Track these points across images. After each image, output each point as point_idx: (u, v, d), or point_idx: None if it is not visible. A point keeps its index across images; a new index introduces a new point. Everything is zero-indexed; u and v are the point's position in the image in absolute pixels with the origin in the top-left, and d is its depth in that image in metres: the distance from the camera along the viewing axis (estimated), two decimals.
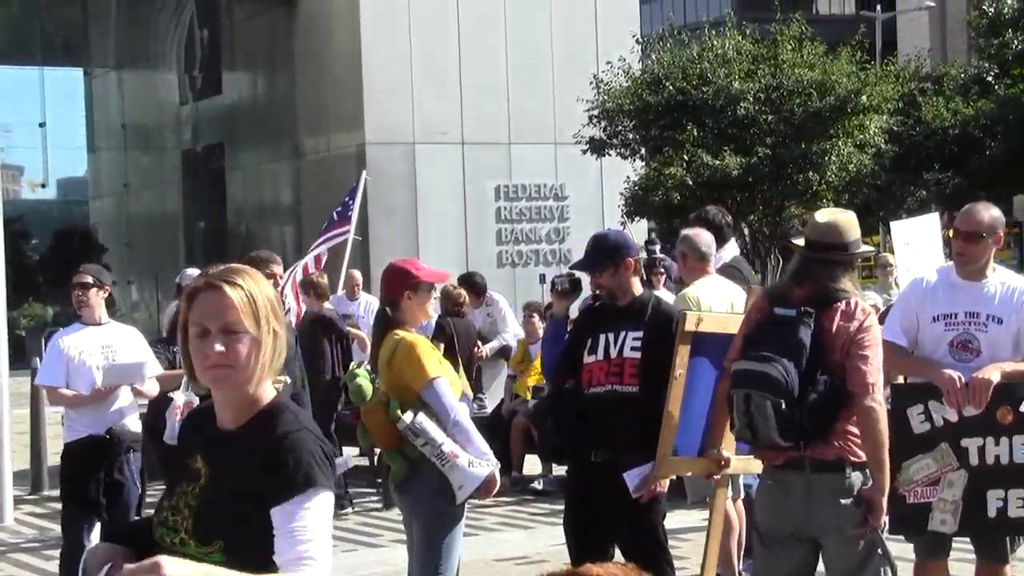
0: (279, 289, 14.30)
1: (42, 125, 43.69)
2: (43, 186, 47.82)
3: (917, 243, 13.43)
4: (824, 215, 5.74)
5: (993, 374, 6.22)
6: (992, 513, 6.17)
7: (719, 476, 6.47)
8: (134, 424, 8.37)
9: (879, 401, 5.38)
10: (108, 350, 8.31)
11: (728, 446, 6.28)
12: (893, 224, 14.53)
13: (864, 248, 5.73)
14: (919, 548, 6.48)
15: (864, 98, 28.05)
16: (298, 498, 3.09)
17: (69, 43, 38.49)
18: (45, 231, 42.57)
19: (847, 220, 5.67)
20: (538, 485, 12.71)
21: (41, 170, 47.37)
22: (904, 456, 6.21)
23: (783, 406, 5.28)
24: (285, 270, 14.39)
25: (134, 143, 39.05)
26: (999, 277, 6.51)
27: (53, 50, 38.73)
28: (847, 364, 5.39)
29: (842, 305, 5.45)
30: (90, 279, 8.40)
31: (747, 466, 6.47)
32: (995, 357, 6.30)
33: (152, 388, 8.47)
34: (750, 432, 5.45)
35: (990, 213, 6.42)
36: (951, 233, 6.72)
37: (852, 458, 5.43)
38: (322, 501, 3.13)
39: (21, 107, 44.45)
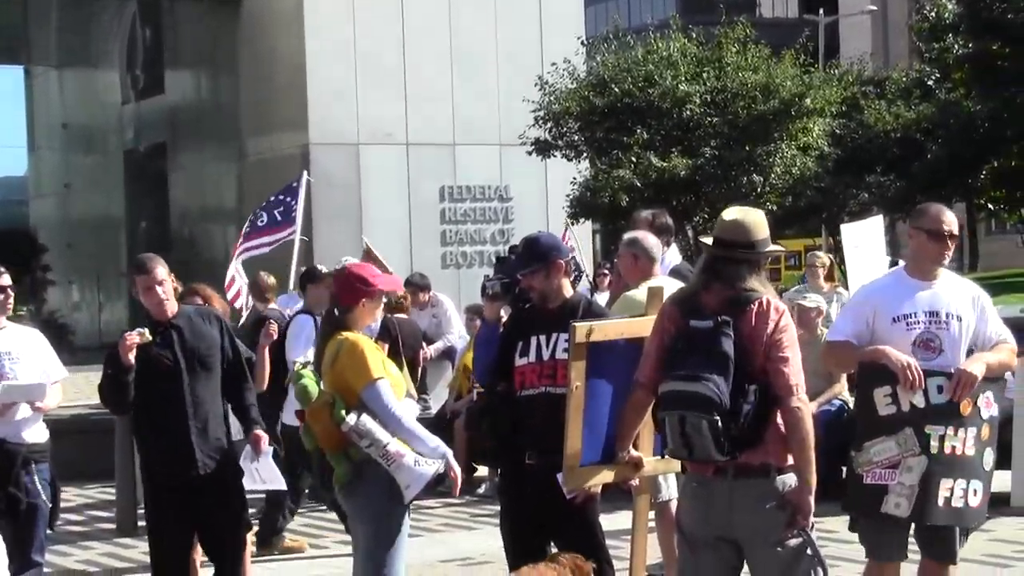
0: (234, 294, 14.20)
1: None
2: None
3: (865, 245, 13.60)
4: (732, 213, 5.62)
5: (978, 367, 6.29)
6: (940, 502, 6.24)
7: (636, 481, 6.43)
8: (35, 434, 7.73)
9: (804, 401, 5.36)
10: (7, 357, 7.66)
11: (644, 449, 6.22)
12: (843, 227, 14.66)
13: (772, 248, 5.60)
14: (874, 549, 6.46)
15: (808, 101, 28.16)
16: None
17: (9, 41, 38.01)
18: None
19: (755, 219, 5.57)
20: (482, 489, 12.71)
21: None
22: (866, 437, 6.25)
23: (719, 423, 5.22)
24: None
25: (75, 143, 38.63)
26: (946, 276, 6.61)
27: None
28: (768, 367, 5.34)
29: (755, 307, 5.38)
30: (10, 278, 7.71)
31: (666, 466, 6.43)
32: (955, 354, 6.38)
33: (52, 402, 7.80)
34: (686, 451, 5.38)
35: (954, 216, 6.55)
36: (919, 233, 6.52)
37: (778, 463, 5.39)
38: None
39: None
